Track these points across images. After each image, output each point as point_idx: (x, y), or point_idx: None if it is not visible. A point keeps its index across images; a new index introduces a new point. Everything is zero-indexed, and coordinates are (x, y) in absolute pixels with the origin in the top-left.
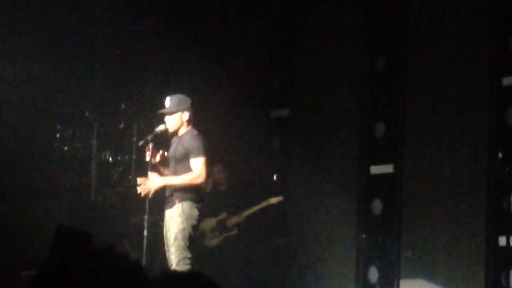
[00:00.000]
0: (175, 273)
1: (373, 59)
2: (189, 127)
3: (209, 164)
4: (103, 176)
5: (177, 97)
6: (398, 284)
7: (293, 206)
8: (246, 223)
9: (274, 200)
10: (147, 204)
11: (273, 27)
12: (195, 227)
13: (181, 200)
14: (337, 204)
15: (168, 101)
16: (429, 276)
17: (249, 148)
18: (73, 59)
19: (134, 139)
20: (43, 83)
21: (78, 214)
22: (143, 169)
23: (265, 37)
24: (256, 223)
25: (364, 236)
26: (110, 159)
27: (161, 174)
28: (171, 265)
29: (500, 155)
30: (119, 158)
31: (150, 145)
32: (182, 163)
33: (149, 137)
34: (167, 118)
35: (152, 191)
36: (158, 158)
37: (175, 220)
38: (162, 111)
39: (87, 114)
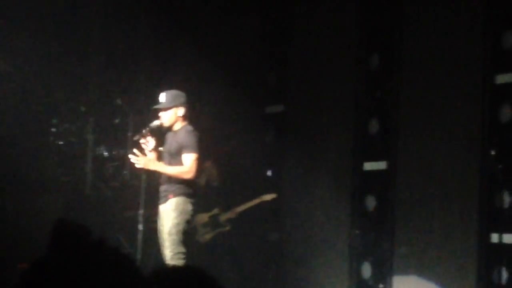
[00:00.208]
0: (174, 267)
1: (367, 56)
2: (185, 123)
3: (202, 161)
4: (98, 170)
5: (172, 92)
6: (391, 280)
7: (286, 201)
8: (239, 218)
9: (267, 197)
10: (142, 198)
11: (268, 23)
12: (189, 222)
13: (175, 195)
14: (331, 200)
15: (163, 97)
16: (422, 272)
17: (244, 144)
18: (68, 53)
19: (129, 134)
20: (38, 78)
21: (73, 208)
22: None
23: (260, 33)
24: (249, 218)
25: (357, 232)
26: (106, 153)
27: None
28: (166, 259)
29: (493, 152)
30: (114, 152)
31: (148, 135)
32: (177, 158)
33: (144, 132)
34: (162, 114)
35: (139, 166)
36: (152, 146)
37: (169, 215)
38: (157, 106)
39: (82, 108)
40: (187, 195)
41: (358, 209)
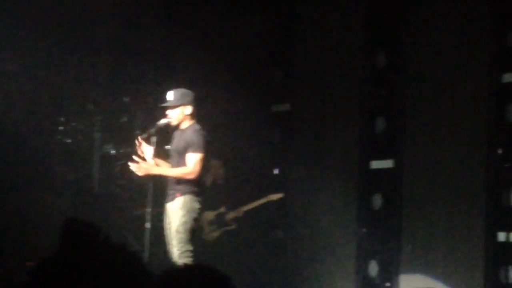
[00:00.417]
0: (187, 266)
1: (374, 54)
2: (192, 122)
3: (209, 159)
4: (106, 168)
5: (180, 91)
6: (397, 279)
7: (293, 200)
8: (245, 217)
9: (274, 196)
10: (149, 196)
11: (273, 22)
12: (196, 220)
13: (183, 193)
14: (337, 199)
15: (170, 95)
16: (428, 270)
17: (250, 143)
18: (75, 52)
19: (137, 132)
20: (46, 76)
21: (80, 206)
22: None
23: (266, 32)
24: (255, 217)
25: (364, 230)
26: (113, 151)
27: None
28: (173, 257)
29: (500, 151)
30: (121, 151)
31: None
32: (184, 156)
33: (151, 130)
34: (169, 112)
35: (140, 173)
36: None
37: (177, 213)
38: (164, 104)
39: (90, 107)
40: (194, 194)
41: (364, 208)
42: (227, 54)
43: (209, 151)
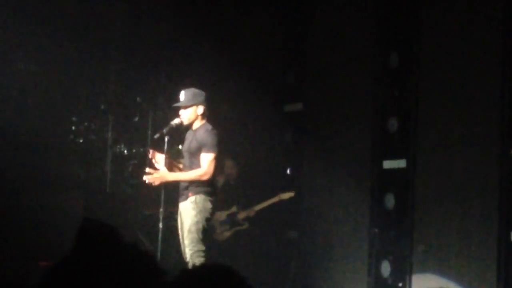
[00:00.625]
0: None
1: (386, 54)
2: (204, 121)
3: (222, 159)
4: (118, 168)
5: (192, 91)
6: (410, 279)
7: (305, 200)
8: (257, 217)
9: (285, 195)
10: (162, 196)
11: (286, 22)
12: (208, 220)
13: (195, 193)
14: (350, 199)
15: (183, 95)
16: (441, 270)
17: (262, 142)
18: (88, 52)
19: (149, 132)
20: (58, 76)
21: (93, 206)
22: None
23: (278, 31)
24: (267, 217)
25: (376, 230)
26: (125, 151)
27: (171, 168)
28: (186, 257)
29: None
30: (134, 150)
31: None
32: (197, 156)
33: (164, 130)
34: (181, 112)
35: (156, 183)
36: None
37: (189, 213)
38: (177, 104)
39: (102, 107)
40: (207, 193)
41: (377, 208)
42: (240, 54)
43: (222, 150)
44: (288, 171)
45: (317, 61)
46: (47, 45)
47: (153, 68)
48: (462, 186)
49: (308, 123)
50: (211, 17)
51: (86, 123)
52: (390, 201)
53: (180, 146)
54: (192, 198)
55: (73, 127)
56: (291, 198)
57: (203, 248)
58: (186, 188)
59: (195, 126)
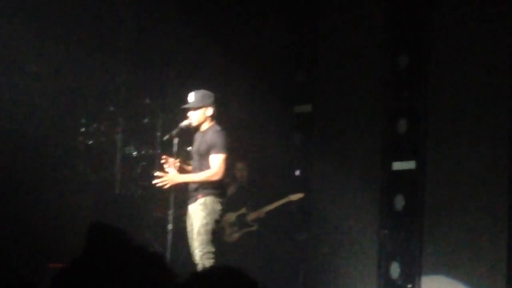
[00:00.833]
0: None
1: (396, 56)
2: (213, 123)
3: (232, 161)
4: (128, 170)
5: (201, 92)
6: (419, 280)
7: (315, 201)
8: (267, 218)
9: (294, 196)
10: (171, 198)
11: (296, 23)
12: (218, 222)
13: (205, 195)
14: (359, 200)
15: (192, 96)
16: (450, 272)
17: (272, 144)
18: (97, 53)
19: (159, 134)
20: (68, 78)
21: (102, 208)
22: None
23: (288, 33)
24: (277, 218)
25: (386, 231)
26: (135, 153)
27: (181, 170)
28: (195, 259)
29: None
30: (143, 152)
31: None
32: (206, 158)
33: (173, 132)
34: (190, 113)
35: (167, 186)
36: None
37: (198, 215)
38: (186, 106)
39: (111, 108)
40: (216, 195)
41: (386, 209)
42: (249, 56)
43: (231, 150)
44: (297, 173)
45: (326, 62)
46: (57, 47)
47: (163, 69)
48: (472, 187)
49: (318, 125)
50: (220, 18)
51: (95, 125)
52: (399, 202)
53: (189, 148)
54: (201, 200)
55: (83, 129)
56: (300, 200)
57: (213, 249)
58: (196, 189)
59: (204, 127)
